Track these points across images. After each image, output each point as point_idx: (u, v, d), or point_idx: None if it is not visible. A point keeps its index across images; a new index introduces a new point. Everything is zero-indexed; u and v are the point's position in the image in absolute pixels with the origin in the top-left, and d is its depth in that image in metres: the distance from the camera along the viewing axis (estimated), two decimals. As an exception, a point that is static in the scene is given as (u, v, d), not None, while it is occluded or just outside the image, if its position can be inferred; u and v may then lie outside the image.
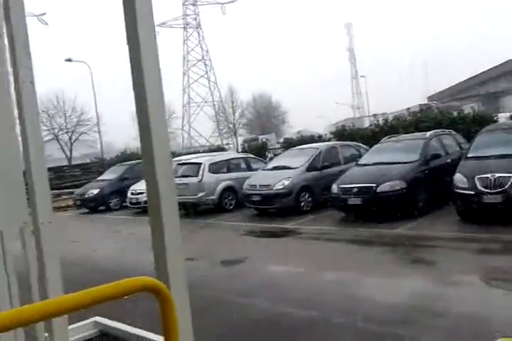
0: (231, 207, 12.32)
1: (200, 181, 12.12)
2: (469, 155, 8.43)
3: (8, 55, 2.29)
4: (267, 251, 7.69)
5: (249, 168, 13.49)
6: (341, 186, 9.11)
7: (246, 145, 25.04)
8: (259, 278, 5.87)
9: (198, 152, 23.17)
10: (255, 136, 36.49)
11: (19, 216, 2.39)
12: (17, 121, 2.40)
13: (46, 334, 2.41)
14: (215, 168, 12.76)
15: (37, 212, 2.20)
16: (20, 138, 2.42)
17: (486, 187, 7.24)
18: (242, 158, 14.47)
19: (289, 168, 11.28)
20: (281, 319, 4.35)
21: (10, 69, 2.40)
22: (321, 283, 5.45)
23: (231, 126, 46.80)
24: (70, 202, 17.05)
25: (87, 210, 15.74)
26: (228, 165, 13.28)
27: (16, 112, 2.36)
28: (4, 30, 2.24)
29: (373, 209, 8.59)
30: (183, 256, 1.54)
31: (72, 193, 17.98)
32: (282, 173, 11.02)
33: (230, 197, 12.41)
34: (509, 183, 7.08)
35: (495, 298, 4.44)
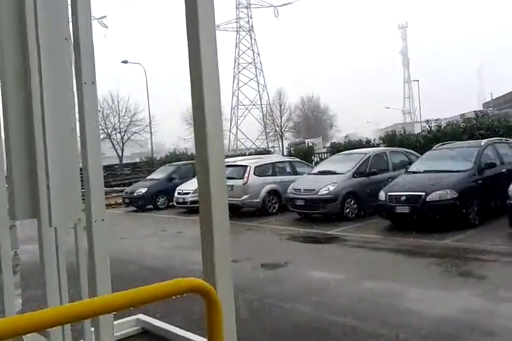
0: (274, 210, 12.32)
1: (245, 183, 12.21)
2: (527, 165, 8.07)
3: (72, 56, 2.41)
4: (309, 256, 7.63)
5: (294, 172, 13.46)
6: (389, 193, 8.91)
7: (292, 148, 24.99)
8: (300, 284, 5.83)
9: (244, 154, 23.37)
10: (301, 140, 36.32)
11: (73, 213, 2.49)
12: (77, 119, 2.50)
13: (92, 329, 2.50)
14: (261, 170, 12.82)
15: (91, 209, 2.29)
16: (78, 137, 2.53)
17: (544, 200, 6.89)
18: (287, 161, 14.46)
19: (335, 173, 11.16)
20: (323, 326, 4.30)
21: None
22: (363, 292, 5.35)
23: (278, 129, 46.86)
24: (119, 200, 17.60)
25: (134, 208, 16.19)
26: (273, 169, 13.31)
27: (76, 111, 2.47)
28: (71, 32, 2.35)
29: (421, 219, 8.35)
30: (230, 259, 1.56)
31: (121, 191, 18.58)
32: (328, 178, 10.91)
33: (273, 201, 12.42)
34: None
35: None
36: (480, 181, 8.77)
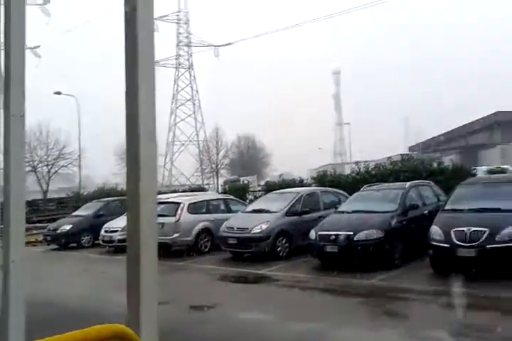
0: (206, 249, 12.06)
1: (177, 221, 11.91)
2: (447, 207, 8.56)
3: (1, 86, 2.30)
4: (239, 297, 7.52)
5: (228, 210, 13.36)
6: (319, 233, 9.08)
7: (227, 186, 25.01)
8: (228, 325, 5.71)
9: (178, 191, 23.05)
10: (236, 177, 36.53)
11: (-11, 251, 2.32)
12: (1, 152, 2.37)
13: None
14: (194, 208, 12.62)
15: (9, 248, 2.13)
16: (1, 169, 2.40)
17: (461, 241, 7.30)
18: (222, 199, 14.37)
19: (268, 211, 11.23)
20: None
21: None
22: (290, 333, 5.32)
23: (214, 166, 46.92)
24: (41, 238, 16.54)
25: (56, 246, 15.28)
26: (208, 206, 13.17)
27: (1, 144, 2.34)
28: (2, 62, 2.26)
29: (350, 258, 8.55)
30: (157, 303, 1.51)
31: (43, 228, 17.50)
32: (261, 217, 10.95)
33: (206, 239, 12.17)
34: (484, 237, 7.16)
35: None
36: (404, 222, 9.20)
